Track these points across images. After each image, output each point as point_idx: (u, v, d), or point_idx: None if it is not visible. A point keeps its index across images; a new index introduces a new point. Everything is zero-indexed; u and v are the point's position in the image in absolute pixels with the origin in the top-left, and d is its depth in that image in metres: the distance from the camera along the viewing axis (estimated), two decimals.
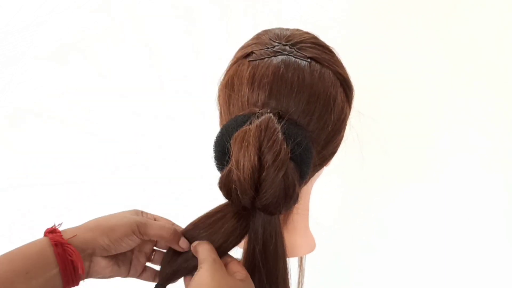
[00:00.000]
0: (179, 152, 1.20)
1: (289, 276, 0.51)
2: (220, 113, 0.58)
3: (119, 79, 1.19)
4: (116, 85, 1.16)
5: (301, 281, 0.63)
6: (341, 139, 0.58)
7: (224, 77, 0.58)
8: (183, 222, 0.54)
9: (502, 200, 1.11)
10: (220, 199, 0.52)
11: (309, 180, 0.55)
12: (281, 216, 0.51)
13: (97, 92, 1.16)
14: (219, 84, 0.59)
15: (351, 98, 0.59)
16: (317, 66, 0.54)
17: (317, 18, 1.05)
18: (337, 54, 0.58)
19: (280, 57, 0.53)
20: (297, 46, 0.55)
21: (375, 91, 1.02)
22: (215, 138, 0.52)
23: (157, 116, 1.20)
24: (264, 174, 0.46)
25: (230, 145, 0.48)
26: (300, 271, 0.63)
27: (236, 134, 0.48)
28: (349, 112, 0.59)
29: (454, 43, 1.04)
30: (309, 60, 0.54)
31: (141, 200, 1.24)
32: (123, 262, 0.54)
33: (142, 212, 0.55)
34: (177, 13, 1.11)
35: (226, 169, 0.48)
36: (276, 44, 0.55)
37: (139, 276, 0.56)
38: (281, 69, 0.52)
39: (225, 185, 0.49)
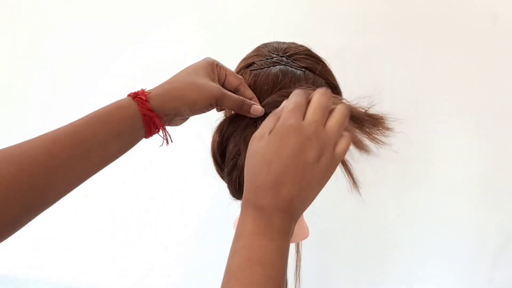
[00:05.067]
0: (188, 151, 1.21)
1: None
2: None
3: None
4: None
5: (299, 265, 0.67)
6: None
7: None
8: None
9: (495, 198, 1.08)
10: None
11: None
12: None
13: None
14: None
15: None
16: (311, 75, 0.58)
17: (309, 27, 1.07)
18: (327, 64, 0.62)
19: (278, 67, 0.57)
20: (293, 57, 0.59)
21: (362, 96, 1.07)
22: None
23: None
24: None
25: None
26: (297, 256, 0.67)
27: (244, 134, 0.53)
28: None
29: (446, 44, 1.02)
30: (303, 69, 0.58)
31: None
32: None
33: (217, 65, 0.57)
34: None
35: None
36: (274, 55, 0.59)
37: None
38: (279, 77, 0.56)
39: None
